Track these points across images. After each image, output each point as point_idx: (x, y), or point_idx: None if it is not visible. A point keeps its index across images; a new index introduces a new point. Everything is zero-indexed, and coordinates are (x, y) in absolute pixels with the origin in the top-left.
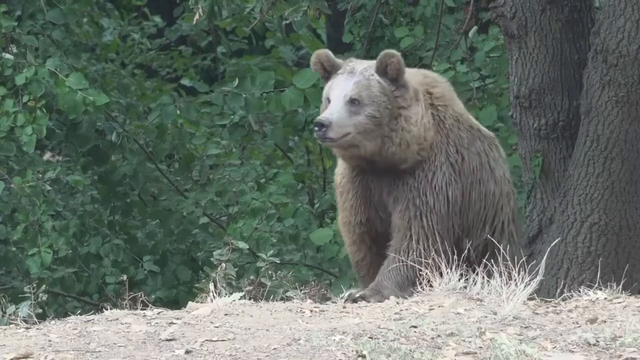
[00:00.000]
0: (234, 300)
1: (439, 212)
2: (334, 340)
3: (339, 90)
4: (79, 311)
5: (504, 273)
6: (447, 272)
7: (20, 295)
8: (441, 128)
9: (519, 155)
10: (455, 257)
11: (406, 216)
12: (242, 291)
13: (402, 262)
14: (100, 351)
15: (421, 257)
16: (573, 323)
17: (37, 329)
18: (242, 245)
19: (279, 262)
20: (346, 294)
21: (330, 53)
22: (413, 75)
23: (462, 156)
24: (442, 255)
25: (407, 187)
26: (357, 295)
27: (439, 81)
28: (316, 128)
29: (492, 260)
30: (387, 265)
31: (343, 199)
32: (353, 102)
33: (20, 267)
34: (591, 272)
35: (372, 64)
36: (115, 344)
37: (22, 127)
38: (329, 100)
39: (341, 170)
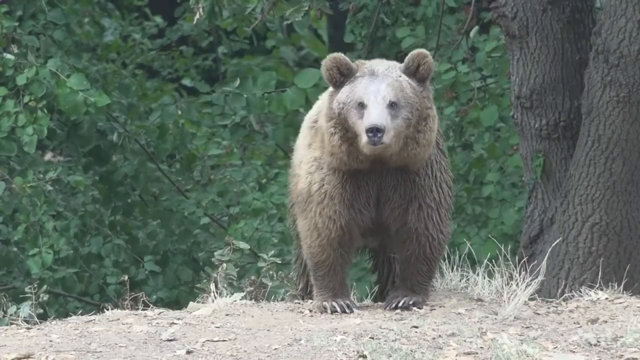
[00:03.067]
0: (235, 301)
1: (446, 203)
2: (335, 340)
3: (375, 94)
4: (80, 311)
5: (505, 273)
6: (449, 273)
7: (21, 296)
8: None
9: (520, 155)
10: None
11: (421, 217)
12: (243, 291)
13: (430, 264)
14: (101, 351)
15: (440, 255)
16: (574, 323)
17: (38, 329)
18: (243, 245)
19: (280, 262)
20: (395, 302)
21: (346, 57)
22: None
23: (443, 138)
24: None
25: (415, 186)
26: (411, 302)
27: None
28: (370, 134)
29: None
30: (415, 269)
31: (322, 206)
32: (392, 106)
33: (21, 268)
34: (592, 273)
35: (392, 64)
36: (116, 344)
37: (23, 127)
38: (362, 105)
39: (320, 178)
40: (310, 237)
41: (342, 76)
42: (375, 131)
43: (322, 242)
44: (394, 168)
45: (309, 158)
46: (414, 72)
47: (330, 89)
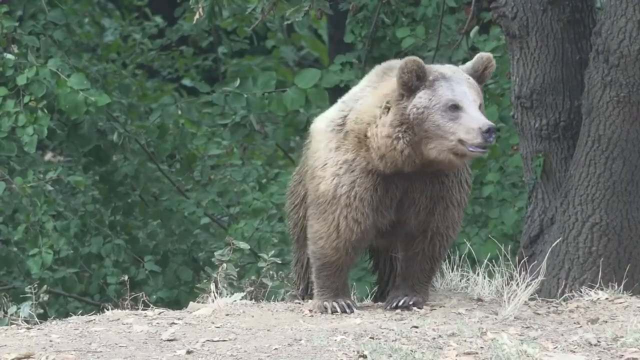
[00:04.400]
0: (235, 301)
1: (464, 202)
2: (335, 340)
3: (465, 95)
4: (80, 311)
5: (505, 273)
6: (449, 273)
7: (21, 296)
8: None
9: (520, 155)
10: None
11: (447, 217)
12: (243, 291)
13: (435, 264)
14: (101, 351)
15: (445, 255)
16: (574, 323)
17: (39, 329)
18: (244, 245)
19: (280, 262)
20: (395, 301)
21: (422, 61)
22: None
23: None
24: None
25: (444, 187)
26: (411, 302)
27: None
28: (487, 134)
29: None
30: (419, 267)
31: (350, 209)
32: (480, 108)
33: (21, 268)
34: (592, 273)
35: (453, 67)
36: (116, 344)
37: (23, 127)
38: (456, 107)
39: (351, 181)
40: (326, 239)
41: (418, 80)
42: (492, 132)
43: (338, 245)
44: (429, 172)
45: (335, 160)
46: (480, 75)
47: (377, 94)
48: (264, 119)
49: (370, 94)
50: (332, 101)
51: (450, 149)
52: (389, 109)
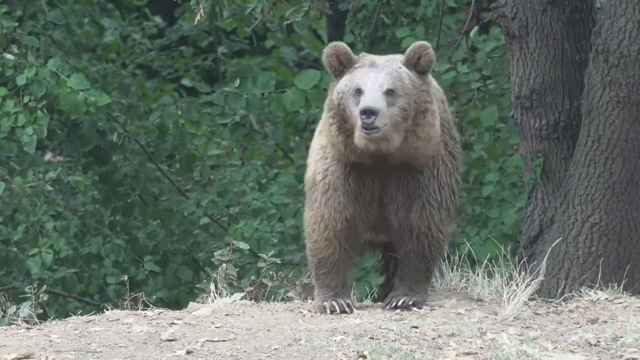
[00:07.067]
0: (234, 301)
1: (446, 205)
2: (335, 340)
3: (372, 80)
4: (80, 311)
5: (505, 273)
6: (449, 273)
7: (21, 296)
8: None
9: (520, 155)
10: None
11: (424, 216)
12: (243, 291)
13: (429, 263)
14: (101, 351)
15: (439, 255)
16: (574, 323)
17: (38, 329)
18: (243, 245)
19: (280, 262)
20: (395, 301)
21: (346, 46)
22: None
23: (455, 141)
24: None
25: (420, 185)
26: (411, 302)
27: None
28: (364, 116)
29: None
30: (414, 267)
31: (327, 196)
32: (389, 93)
33: (21, 268)
34: (592, 273)
35: (393, 57)
36: (116, 344)
37: (23, 127)
38: (359, 92)
39: (324, 168)
40: (317, 231)
41: (342, 65)
42: (369, 113)
43: (329, 235)
44: (397, 166)
45: (316, 146)
46: (415, 64)
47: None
48: (263, 118)
49: None
50: None
51: (358, 137)
52: None
